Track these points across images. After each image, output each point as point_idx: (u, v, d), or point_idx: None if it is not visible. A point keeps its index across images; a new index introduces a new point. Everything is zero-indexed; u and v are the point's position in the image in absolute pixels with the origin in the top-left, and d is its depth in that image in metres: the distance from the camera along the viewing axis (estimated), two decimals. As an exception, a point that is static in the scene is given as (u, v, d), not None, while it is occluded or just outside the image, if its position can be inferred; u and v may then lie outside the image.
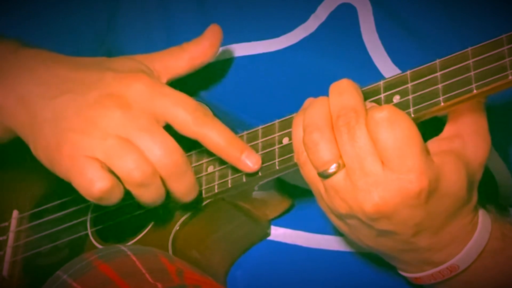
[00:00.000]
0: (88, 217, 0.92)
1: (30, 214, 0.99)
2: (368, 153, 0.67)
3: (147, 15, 0.99)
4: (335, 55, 0.88)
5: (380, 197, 0.66)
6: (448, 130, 0.73)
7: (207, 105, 0.85)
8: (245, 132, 0.83)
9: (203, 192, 0.84)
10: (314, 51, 0.89)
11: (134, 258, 0.73)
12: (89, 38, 1.03)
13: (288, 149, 0.78)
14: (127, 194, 0.89)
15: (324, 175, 0.69)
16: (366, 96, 0.72)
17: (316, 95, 0.73)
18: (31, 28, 1.02)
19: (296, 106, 0.76)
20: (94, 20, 1.02)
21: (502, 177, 0.84)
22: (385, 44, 0.87)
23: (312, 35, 0.90)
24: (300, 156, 0.72)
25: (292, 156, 0.77)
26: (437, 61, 0.71)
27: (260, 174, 0.80)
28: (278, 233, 0.88)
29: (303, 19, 0.91)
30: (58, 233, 0.96)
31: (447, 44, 0.84)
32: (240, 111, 0.90)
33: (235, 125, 0.87)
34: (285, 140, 0.79)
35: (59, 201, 0.97)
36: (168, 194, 0.80)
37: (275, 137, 0.80)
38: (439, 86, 0.69)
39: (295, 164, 0.75)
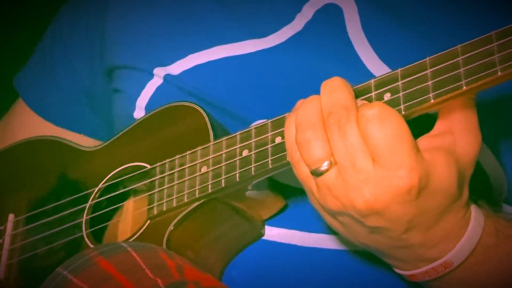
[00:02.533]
0: (83, 219, 0.92)
1: (26, 217, 0.99)
2: (358, 150, 0.67)
3: (133, 25, 1.00)
4: (323, 52, 0.89)
5: (371, 193, 0.67)
6: (438, 126, 0.73)
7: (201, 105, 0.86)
8: (238, 132, 0.83)
9: (197, 192, 0.84)
10: (302, 49, 0.89)
11: (134, 254, 0.74)
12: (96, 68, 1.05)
13: (281, 148, 0.78)
14: (120, 196, 0.90)
15: (317, 173, 0.69)
16: (357, 94, 0.73)
17: (304, 91, 0.73)
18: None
19: (286, 103, 0.77)
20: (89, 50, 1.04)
21: (494, 172, 0.85)
22: (371, 40, 0.88)
23: (299, 34, 0.91)
24: (293, 154, 0.72)
25: (285, 155, 0.77)
26: (427, 58, 0.71)
27: (253, 173, 0.81)
28: (272, 233, 0.89)
29: (290, 18, 0.92)
30: (53, 235, 0.96)
31: (433, 39, 0.85)
32: (231, 108, 0.91)
33: (229, 121, 0.88)
34: (278, 139, 0.79)
35: (54, 204, 0.97)
36: None
37: (267, 136, 0.80)
38: (429, 83, 0.70)
39: (288, 163, 0.75)
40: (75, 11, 1.02)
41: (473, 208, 0.74)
